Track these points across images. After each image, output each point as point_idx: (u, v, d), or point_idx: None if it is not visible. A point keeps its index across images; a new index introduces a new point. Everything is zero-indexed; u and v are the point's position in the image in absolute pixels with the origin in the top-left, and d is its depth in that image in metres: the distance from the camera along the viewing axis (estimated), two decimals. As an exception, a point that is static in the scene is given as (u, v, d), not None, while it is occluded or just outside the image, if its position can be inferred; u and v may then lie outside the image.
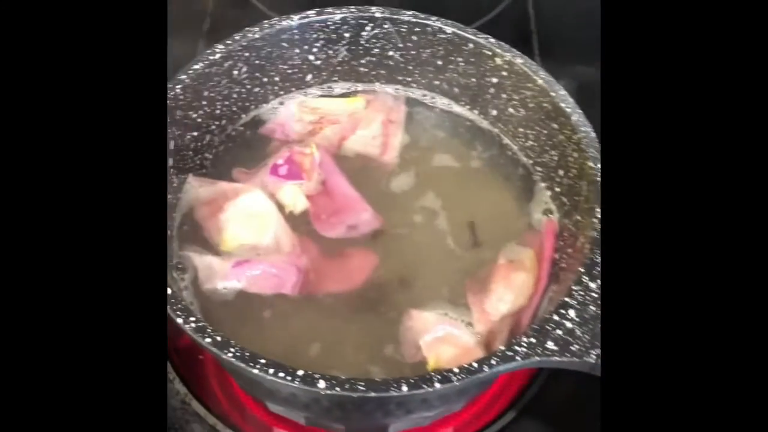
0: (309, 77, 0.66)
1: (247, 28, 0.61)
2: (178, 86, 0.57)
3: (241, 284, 0.54)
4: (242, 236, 0.55)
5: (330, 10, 0.63)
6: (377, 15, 0.63)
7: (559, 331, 0.47)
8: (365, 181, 0.61)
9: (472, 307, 0.55)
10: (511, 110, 0.64)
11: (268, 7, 0.87)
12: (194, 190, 0.58)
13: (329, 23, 0.63)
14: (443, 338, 0.52)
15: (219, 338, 0.45)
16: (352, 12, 0.63)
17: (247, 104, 0.64)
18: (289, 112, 0.64)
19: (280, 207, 0.58)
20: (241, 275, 0.53)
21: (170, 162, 0.57)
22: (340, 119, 0.64)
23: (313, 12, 0.62)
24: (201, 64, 0.58)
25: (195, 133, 0.60)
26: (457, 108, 0.67)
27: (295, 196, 0.58)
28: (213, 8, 0.87)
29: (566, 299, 0.48)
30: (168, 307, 0.46)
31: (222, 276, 0.53)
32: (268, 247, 0.55)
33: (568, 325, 0.47)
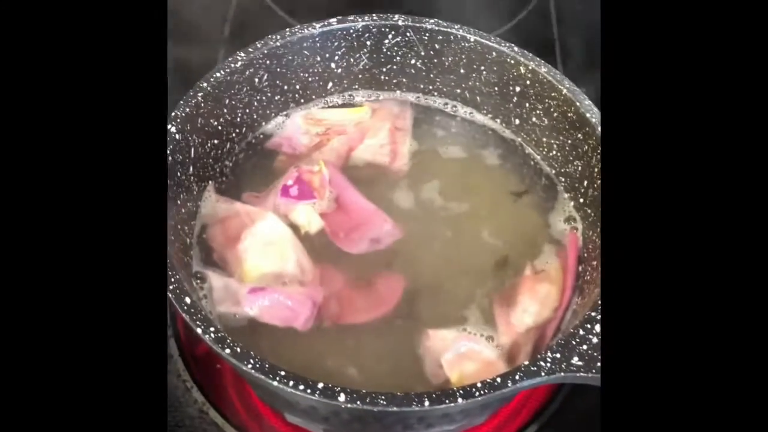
0: (330, 85, 0.66)
1: (268, 36, 0.61)
2: (199, 94, 0.57)
3: (253, 312, 0.52)
4: (263, 265, 0.54)
5: (352, 18, 0.62)
6: (400, 23, 0.62)
7: (584, 346, 0.46)
8: (378, 192, 0.61)
9: (497, 319, 0.54)
10: (534, 119, 0.63)
11: (287, 13, 0.87)
12: (212, 203, 0.58)
13: (351, 31, 0.62)
14: (464, 354, 0.51)
15: (239, 349, 0.44)
16: (374, 20, 0.62)
17: (268, 112, 0.64)
18: (295, 125, 0.64)
19: (295, 228, 0.57)
20: (255, 303, 0.52)
21: (190, 170, 0.57)
22: (346, 129, 0.63)
23: (334, 20, 0.62)
24: (222, 72, 0.58)
25: (215, 141, 0.60)
26: (479, 116, 0.66)
27: (309, 216, 0.57)
28: (233, 15, 0.87)
29: (592, 313, 0.47)
30: (188, 316, 0.46)
31: (235, 301, 0.52)
32: (294, 275, 0.54)
33: (594, 340, 0.46)
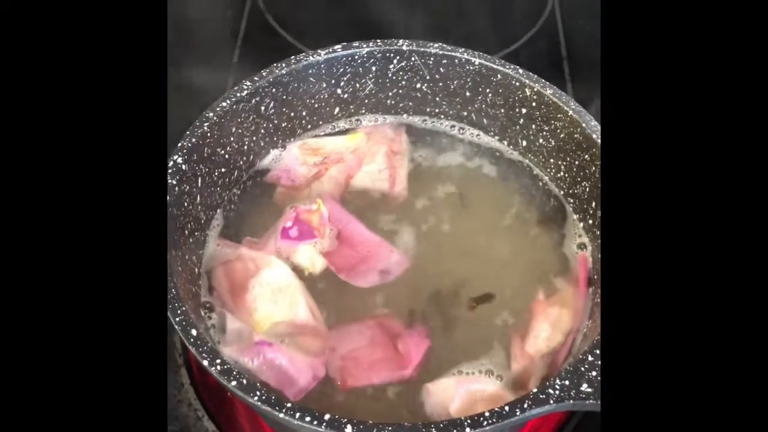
0: (336, 110, 0.66)
1: (274, 65, 0.61)
2: (206, 123, 0.57)
3: (252, 365, 0.51)
4: (274, 314, 0.53)
5: (356, 44, 0.62)
6: (404, 48, 0.63)
7: (593, 372, 0.45)
8: (382, 220, 0.60)
9: (512, 346, 0.54)
10: (541, 141, 0.62)
11: (296, 38, 0.88)
12: (213, 247, 0.58)
13: (356, 57, 0.63)
14: (469, 397, 0.50)
15: (245, 381, 0.44)
16: (378, 46, 0.63)
17: (275, 138, 0.64)
18: (292, 156, 0.63)
19: (299, 270, 0.56)
20: (258, 356, 0.51)
21: (198, 199, 0.57)
22: (344, 157, 0.63)
23: (339, 47, 0.62)
24: (228, 101, 0.58)
25: (223, 169, 0.60)
26: (486, 138, 0.66)
27: (312, 257, 0.57)
28: (241, 41, 0.88)
29: (596, 338, 0.46)
30: (194, 348, 0.46)
31: (242, 349, 0.51)
32: (306, 321, 0.53)
33: (604, 366, 0.45)
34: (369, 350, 0.53)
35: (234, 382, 0.44)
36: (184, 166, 0.55)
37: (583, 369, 0.45)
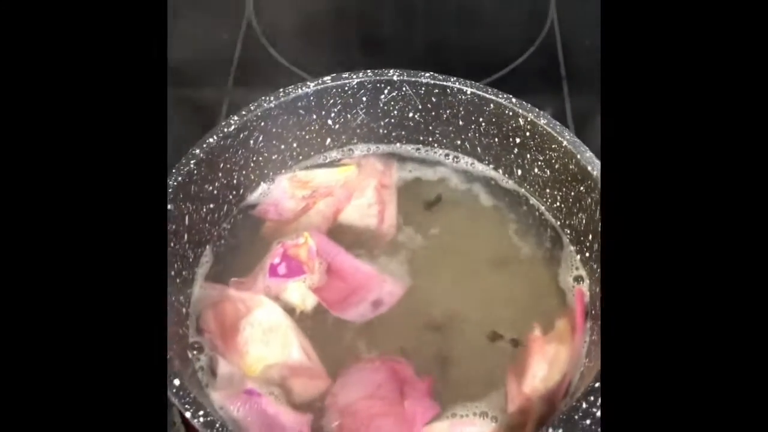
0: (328, 141, 0.65)
1: (262, 98, 0.60)
2: (192, 161, 0.56)
3: (238, 414, 0.49)
4: (267, 356, 0.52)
5: (346, 75, 0.61)
6: (395, 78, 0.61)
7: (587, 421, 0.44)
8: (372, 255, 0.59)
9: (508, 387, 0.52)
10: (536, 170, 0.61)
11: (293, 63, 0.87)
12: (199, 289, 0.57)
13: (346, 88, 0.62)
14: None
15: (228, 434, 0.43)
16: (368, 76, 0.61)
17: (266, 171, 0.63)
18: (281, 189, 0.62)
19: (290, 309, 0.55)
20: (245, 405, 0.49)
21: (185, 237, 0.56)
22: (333, 191, 0.62)
23: (328, 78, 0.61)
24: (215, 137, 0.57)
25: (211, 205, 0.59)
26: (480, 167, 0.65)
27: (302, 294, 0.55)
28: (236, 66, 0.87)
29: (596, 384, 0.45)
30: (176, 400, 0.45)
31: (228, 396, 0.50)
32: (300, 363, 0.52)
33: (598, 413, 0.44)
34: (370, 403, 0.51)
35: (216, 435, 0.43)
36: (170, 206, 0.54)
37: (576, 417, 0.44)
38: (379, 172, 0.63)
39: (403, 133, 0.66)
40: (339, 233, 0.60)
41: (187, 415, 0.44)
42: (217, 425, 0.43)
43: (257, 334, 0.53)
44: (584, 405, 0.44)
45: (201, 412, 0.44)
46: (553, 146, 0.58)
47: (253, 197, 0.63)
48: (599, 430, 0.43)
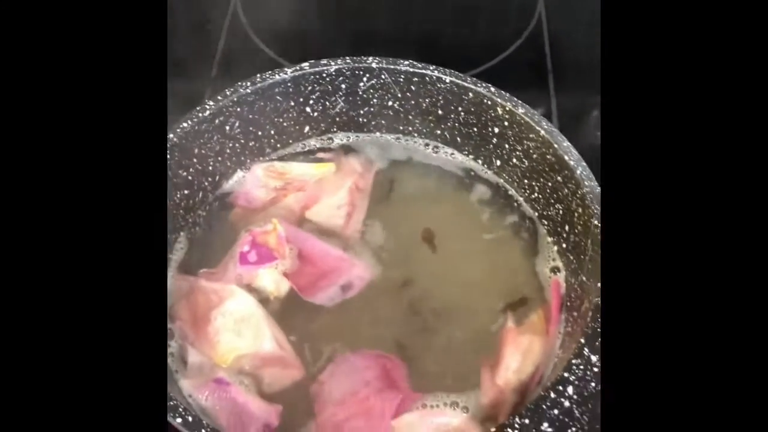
0: (307, 129, 0.65)
1: (238, 83, 0.59)
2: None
3: (207, 402, 0.49)
4: (239, 346, 0.51)
5: (324, 61, 0.61)
6: (374, 65, 0.61)
7: (555, 411, 0.43)
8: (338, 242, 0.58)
9: (482, 377, 0.52)
10: (515, 161, 0.61)
11: (277, 53, 0.86)
12: (171, 281, 0.56)
13: (324, 75, 0.61)
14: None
15: (190, 419, 0.43)
16: (347, 63, 0.61)
17: (243, 158, 0.63)
18: (254, 178, 0.61)
19: (264, 296, 0.55)
20: (214, 394, 0.49)
21: (158, 223, 0.56)
22: (306, 186, 0.61)
23: (306, 64, 0.60)
24: (189, 122, 0.57)
25: (186, 191, 0.59)
26: (460, 157, 0.64)
27: (276, 280, 0.55)
28: (220, 55, 0.86)
29: (564, 374, 0.44)
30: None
31: (198, 385, 0.49)
32: (272, 353, 0.51)
33: (566, 404, 0.43)
34: (356, 398, 0.50)
35: (179, 420, 0.43)
36: (141, 190, 0.53)
37: (544, 407, 0.43)
38: (357, 173, 0.62)
39: (383, 122, 0.65)
40: (303, 229, 0.59)
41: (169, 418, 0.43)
42: (181, 408, 0.43)
43: (229, 324, 0.52)
44: (552, 395, 0.44)
45: (169, 401, 0.43)
46: (531, 135, 0.57)
47: (229, 184, 0.62)
48: (566, 420, 0.43)
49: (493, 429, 0.43)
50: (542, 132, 0.56)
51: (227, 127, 0.60)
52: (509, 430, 0.42)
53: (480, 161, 0.63)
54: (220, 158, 0.61)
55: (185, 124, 0.57)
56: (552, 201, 0.58)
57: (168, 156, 0.55)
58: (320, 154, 0.64)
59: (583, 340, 0.46)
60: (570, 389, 0.44)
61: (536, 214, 0.60)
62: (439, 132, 0.64)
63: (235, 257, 0.55)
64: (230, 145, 0.61)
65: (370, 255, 0.58)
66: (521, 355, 0.53)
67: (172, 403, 0.43)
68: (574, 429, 0.42)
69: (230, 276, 0.55)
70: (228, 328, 0.52)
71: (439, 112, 0.62)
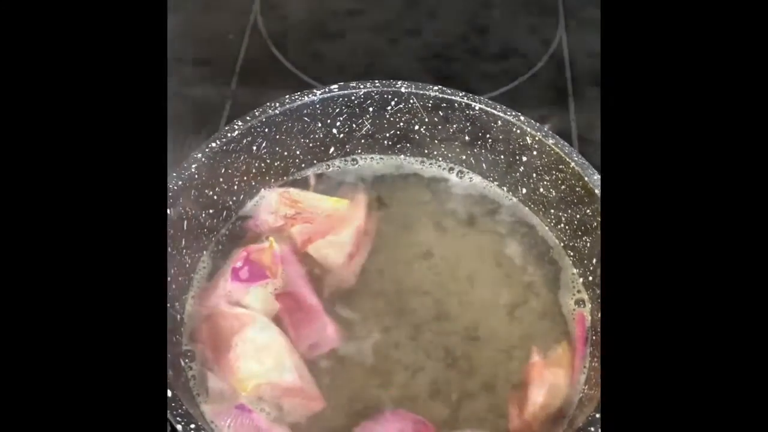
0: (332, 150, 0.64)
1: (267, 104, 0.59)
2: (194, 165, 0.55)
3: (228, 430, 0.48)
4: (260, 374, 0.50)
5: (353, 84, 0.60)
6: (402, 90, 0.61)
7: (587, 452, 0.43)
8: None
9: (509, 413, 0.51)
10: (542, 190, 0.60)
11: (296, 66, 0.85)
12: (194, 307, 0.55)
13: (353, 98, 0.61)
14: None
15: (219, 450, 0.42)
16: (376, 87, 0.60)
17: (267, 177, 0.62)
18: (268, 203, 0.60)
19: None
20: (236, 420, 0.48)
21: (182, 243, 0.55)
22: (315, 218, 0.59)
23: (335, 87, 0.60)
24: (218, 142, 0.56)
25: (211, 211, 0.58)
26: (485, 183, 0.64)
27: (265, 299, 0.53)
28: (240, 67, 0.86)
29: (597, 415, 0.44)
30: (169, 411, 0.44)
31: (219, 411, 0.49)
32: (293, 385, 0.50)
33: (598, 445, 0.43)
34: None
35: (206, 450, 0.42)
36: (169, 211, 0.53)
37: (576, 447, 0.43)
38: (366, 215, 0.60)
39: (408, 145, 0.65)
40: (302, 263, 0.58)
41: (179, 428, 0.43)
42: (207, 438, 0.42)
43: (249, 351, 0.52)
44: (584, 435, 0.43)
45: (192, 426, 0.43)
46: (561, 167, 0.57)
47: (252, 203, 0.62)
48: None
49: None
50: (572, 164, 0.56)
51: (254, 148, 0.59)
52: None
53: (505, 188, 0.63)
54: (245, 177, 0.60)
55: (214, 144, 0.56)
56: (579, 233, 0.57)
57: (196, 175, 0.55)
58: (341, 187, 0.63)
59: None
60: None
61: (561, 244, 0.60)
62: (464, 157, 0.64)
63: (226, 273, 0.54)
64: (256, 164, 0.61)
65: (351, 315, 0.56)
66: (546, 390, 0.52)
67: (192, 425, 0.43)
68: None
69: (220, 293, 0.54)
70: (248, 355, 0.52)
71: (466, 138, 0.62)
